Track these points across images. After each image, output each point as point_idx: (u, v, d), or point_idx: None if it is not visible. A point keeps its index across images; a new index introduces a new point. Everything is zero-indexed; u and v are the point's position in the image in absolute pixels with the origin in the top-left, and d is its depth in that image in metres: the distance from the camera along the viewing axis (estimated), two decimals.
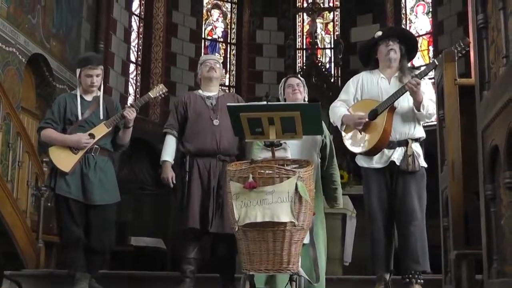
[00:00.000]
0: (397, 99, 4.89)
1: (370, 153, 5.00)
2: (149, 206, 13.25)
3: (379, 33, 5.21)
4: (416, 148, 4.99)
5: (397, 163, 4.92)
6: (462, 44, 4.70)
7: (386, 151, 4.98)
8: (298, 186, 3.67)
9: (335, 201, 5.30)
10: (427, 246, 4.91)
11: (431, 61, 5.07)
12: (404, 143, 4.96)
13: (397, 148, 4.97)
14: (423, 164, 5.00)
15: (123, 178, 11.78)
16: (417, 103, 4.89)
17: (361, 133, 5.01)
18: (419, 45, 14.83)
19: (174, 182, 5.38)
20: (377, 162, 5.03)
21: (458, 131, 4.40)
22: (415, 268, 4.83)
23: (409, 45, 5.24)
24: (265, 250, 3.73)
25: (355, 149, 5.08)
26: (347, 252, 7.82)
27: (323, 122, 4.17)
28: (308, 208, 3.75)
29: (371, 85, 5.16)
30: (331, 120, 5.26)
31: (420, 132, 5.05)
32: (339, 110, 5.18)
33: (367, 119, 4.96)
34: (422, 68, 5.01)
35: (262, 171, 3.73)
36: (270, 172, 3.73)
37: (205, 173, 5.28)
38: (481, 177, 3.14)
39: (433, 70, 5.02)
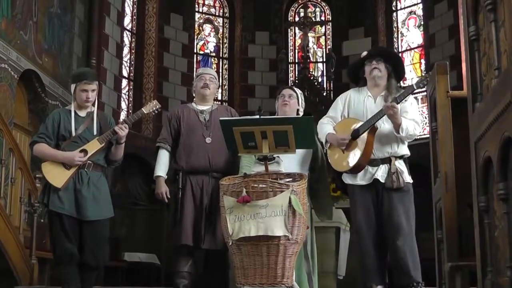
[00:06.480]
0: (376, 121, 4.91)
1: (352, 171, 5.02)
2: (142, 221, 13.21)
3: (365, 53, 5.29)
4: (400, 165, 4.98)
5: (381, 180, 4.93)
6: (424, 80, 4.99)
7: (370, 168, 4.98)
8: (292, 199, 3.67)
9: (325, 214, 5.27)
10: (419, 258, 4.90)
11: (410, 84, 5.19)
12: (387, 160, 4.97)
13: (381, 165, 4.97)
14: (408, 180, 4.98)
15: (117, 193, 11.75)
16: (396, 126, 4.90)
17: (343, 152, 5.03)
18: (410, 59, 15.02)
19: (169, 196, 5.38)
20: (361, 179, 5.03)
21: (451, 143, 4.41)
22: (407, 280, 4.82)
23: (396, 65, 5.26)
24: (259, 264, 3.73)
25: (338, 168, 5.10)
26: (341, 266, 7.80)
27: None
28: (301, 222, 3.75)
29: (357, 103, 5.18)
30: (318, 136, 5.27)
31: (403, 150, 5.04)
32: (325, 127, 5.20)
33: (349, 139, 4.98)
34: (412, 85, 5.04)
35: (255, 185, 3.74)
36: (264, 186, 3.73)
37: (197, 190, 5.27)
38: (474, 188, 3.14)
39: (411, 93, 5.01)
